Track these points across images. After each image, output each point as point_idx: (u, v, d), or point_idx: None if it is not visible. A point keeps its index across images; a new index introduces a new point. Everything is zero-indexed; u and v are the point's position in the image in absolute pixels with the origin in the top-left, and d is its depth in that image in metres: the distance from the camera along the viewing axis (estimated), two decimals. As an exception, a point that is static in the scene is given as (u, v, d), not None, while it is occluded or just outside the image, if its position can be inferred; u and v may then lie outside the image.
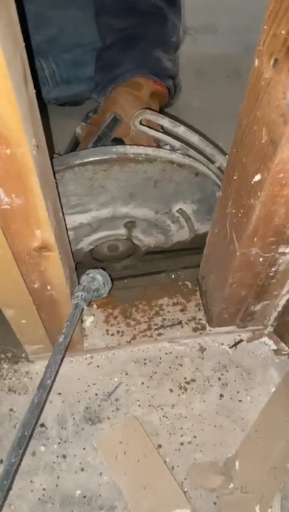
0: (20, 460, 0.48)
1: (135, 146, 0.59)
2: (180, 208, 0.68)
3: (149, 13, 0.80)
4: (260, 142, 0.44)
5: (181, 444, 0.69)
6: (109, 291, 0.67)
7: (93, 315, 0.79)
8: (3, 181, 0.37)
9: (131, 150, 0.59)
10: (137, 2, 0.79)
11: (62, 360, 0.56)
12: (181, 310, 0.80)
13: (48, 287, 0.55)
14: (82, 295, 0.61)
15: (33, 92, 0.39)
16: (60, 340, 0.55)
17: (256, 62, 0.42)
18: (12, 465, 0.47)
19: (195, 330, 0.77)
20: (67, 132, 1.04)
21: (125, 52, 0.79)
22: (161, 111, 0.85)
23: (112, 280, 0.67)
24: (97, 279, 0.64)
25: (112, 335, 0.77)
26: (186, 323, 0.78)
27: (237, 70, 1.31)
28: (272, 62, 0.39)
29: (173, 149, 0.64)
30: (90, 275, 0.65)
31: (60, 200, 0.54)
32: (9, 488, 0.47)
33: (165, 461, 0.67)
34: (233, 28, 1.46)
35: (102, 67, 0.82)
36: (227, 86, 1.28)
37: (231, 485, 0.65)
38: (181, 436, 0.70)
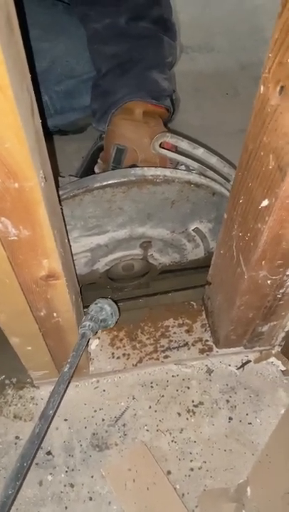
0: (17, 492, 0.47)
1: (153, 168, 0.59)
2: (196, 227, 0.68)
3: (143, 36, 0.80)
4: (267, 168, 0.44)
5: (191, 469, 0.68)
6: (116, 322, 0.67)
7: (98, 338, 0.78)
8: (11, 214, 0.37)
9: (149, 172, 0.58)
10: (129, 27, 0.78)
11: (66, 390, 0.54)
12: (187, 331, 0.79)
13: (54, 314, 0.54)
14: (89, 325, 0.60)
15: (39, 122, 0.39)
16: (65, 370, 0.54)
17: (262, 88, 0.42)
18: (9, 497, 0.45)
19: (202, 351, 0.76)
20: (68, 152, 1.04)
21: (121, 77, 0.78)
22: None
23: (119, 310, 0.67)
24: (105, 309, 0.63)
25: (118, 358, 0.76)
26: (193, 345, 0.77)
27: (234, 88, 1.32)
28: (278, 89, 0.39)
29: (188, 169, 0.64)
30: (99, 305, 0.64)
31: (66, 226, 0.54)
32: None
33: (175, 488, 0.65)
34: (229, 46, 1.48)
35: (99, 95, 0.81)
36: (225, 103, 1.29)
37: (244, 512, 0.63)
38: (191, 461, 0.68)
